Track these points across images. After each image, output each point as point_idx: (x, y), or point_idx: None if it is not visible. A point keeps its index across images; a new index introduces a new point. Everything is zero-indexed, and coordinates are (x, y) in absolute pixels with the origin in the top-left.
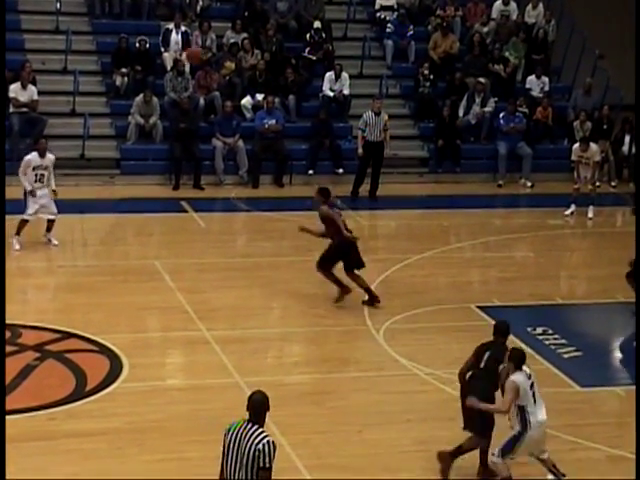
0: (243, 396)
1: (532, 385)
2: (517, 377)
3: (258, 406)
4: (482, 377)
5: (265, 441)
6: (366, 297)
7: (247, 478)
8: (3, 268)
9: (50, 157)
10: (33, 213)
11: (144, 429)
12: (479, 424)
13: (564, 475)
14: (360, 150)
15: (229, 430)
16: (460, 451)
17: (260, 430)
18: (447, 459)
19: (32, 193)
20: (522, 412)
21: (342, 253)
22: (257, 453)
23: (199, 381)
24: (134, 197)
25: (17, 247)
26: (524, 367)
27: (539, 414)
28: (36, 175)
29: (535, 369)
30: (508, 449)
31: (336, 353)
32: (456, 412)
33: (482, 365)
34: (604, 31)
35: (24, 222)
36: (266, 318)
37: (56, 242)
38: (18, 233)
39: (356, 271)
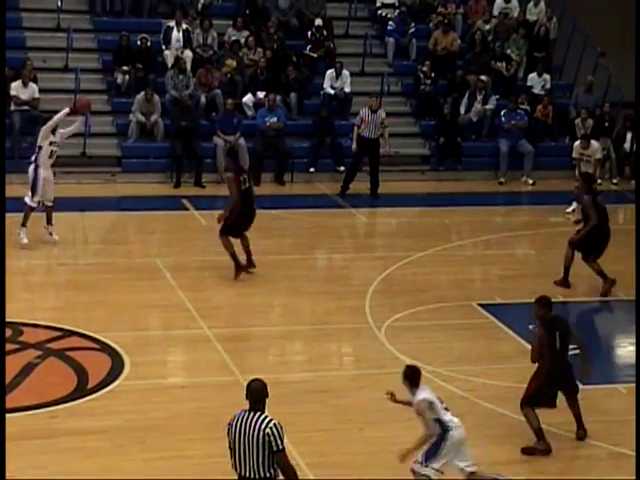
0: (244, 394)
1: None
2: (424, 394)
3: (257, 393)
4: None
5: (272, 424)
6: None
7: (258, 464)
8: (3, 268)
9: (61, 131)
10: (38, 200)
11: (145, 427)
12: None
13: None
14: (354, 146)
15: (232, 423)
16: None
17: (264, 415)
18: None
19: (43, 165)
20: (439, 422)
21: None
22: (267, 438)
23: (200, 379)
24: (135, 195)
25: (25, 241)
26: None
27: (454, 419)
28: (52, 151)
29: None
30: (432, 453)
31: (338, 351)
32: (458, 409)
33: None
34: (606, 29)
35: (30, 210)
36: (267, 316)
37: (56, 237)
38: (24, 224)
39: None
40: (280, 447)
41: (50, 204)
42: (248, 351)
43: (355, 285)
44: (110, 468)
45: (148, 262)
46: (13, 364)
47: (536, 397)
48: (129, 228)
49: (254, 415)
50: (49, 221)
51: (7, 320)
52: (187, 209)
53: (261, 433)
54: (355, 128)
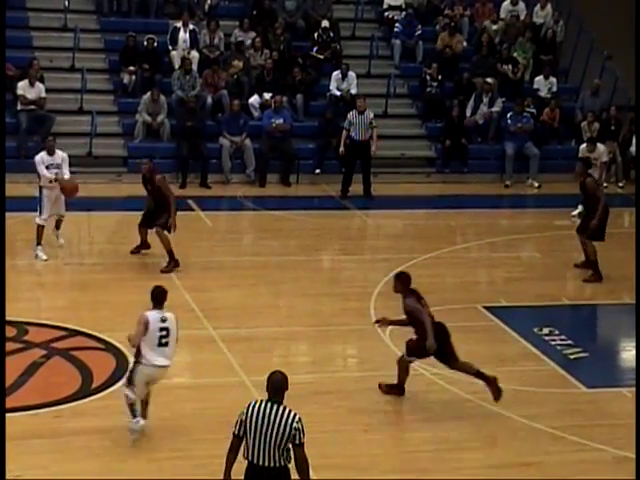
0: (249, 395)
1: (164, 330)
2: (150, 313)
3: (279, 385)
4: None
5: (298, 418)
6: None
7: (277, 455)
8: (3, 268)
9: (60, 154)
10: (47, 217)
11: (150, 427)
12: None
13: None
14: (341, 149)
15: (249, 411)
16: None
17: (288, 409)
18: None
19: (45, 188)
20: (139, 347)
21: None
22: (293, 432)
23: (205, 380)
24: (141, 195)
25: (44, 258)
26: (168, 313)
27: (156, 358)
28: (54, 174)
29: (541, 370)
30: (130, 379)
31: (342, 352)
32: (462, 412)
33: None
34: (612, 32)
35: (41, 228)
36: (272, 317)
37: (62, 241)
38: (39, 242)
39: None
40: (302, 441)
41: (61, 218)
42: (253, 352)
43: (360, 287)
44: (114, 468)
45: (153, 262)
46: (18, 363)
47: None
48: (134, 228)
49: (277, 407)
50: (58, 226)
51: (12, 319)
52: (193, 210)
53: (288, 427)
54: (344, 131)
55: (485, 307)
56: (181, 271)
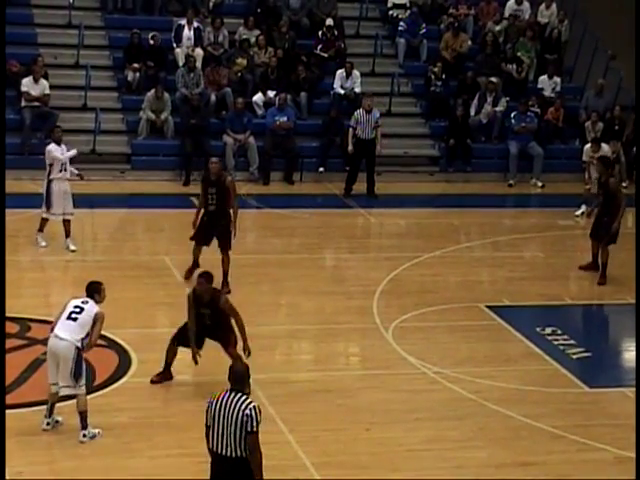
0: (252, 393)
1: (78, 307)
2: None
3: (239, 376)
4: None
5: (252, 406)
6: None
7: (235, 443)
8: (3, 268)
9: (65, 146)
10: (58, 213)
11: (152, 424)
12: None
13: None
14: (350, 147)
15: (212, 402)
16: None
17: (245, 397)
18: None
19: (56, 179)
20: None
21: None
22: (245, 418)
23: (208, 377)
24: (144, 192)
25: (43, 244)
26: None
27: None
28: (61, 164)
29: (543, 369)
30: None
31: (345, 351)
32: (464, 411)
33: None
34: (617, 32)
35: (45, 220)
36: (275, 315)
37: (74, 247)
38: (41, 230)
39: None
40: (254, 429)
41: (69, 217)
42: (255, 350)
43: (363, 285)
44: (116, 465)
45: (156, 260)
46: (21, 360)
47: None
48: (138, 225)
49: (235, 395)
50: (68, 234)
51: (15, 316)
52: (196, 207)
53: (241, 413)
54: (350, 130)
55: (488, 306)
56: (184, 268)
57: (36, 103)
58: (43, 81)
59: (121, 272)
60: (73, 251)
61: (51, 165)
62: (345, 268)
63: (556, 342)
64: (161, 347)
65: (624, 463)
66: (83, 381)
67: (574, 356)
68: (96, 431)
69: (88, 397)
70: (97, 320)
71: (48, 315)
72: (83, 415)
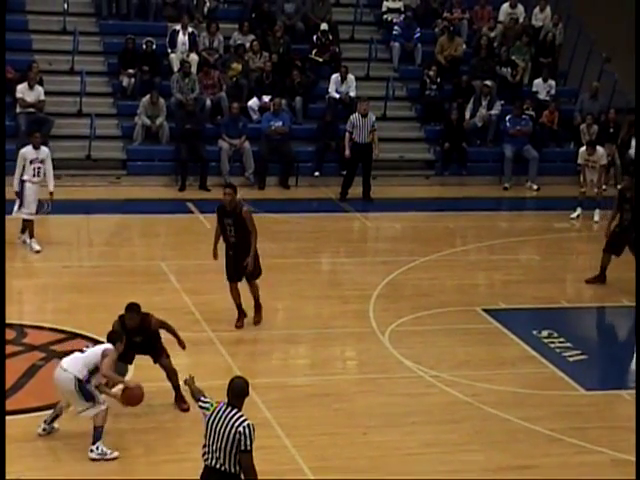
0: (249, 398)
1: None
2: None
3: (239, 391)
4: None
5: (245, 424)
6: None
7: (226, 458)
8: (3, 268)
9: (45, 150)
10: (32, 212)
11: (148, 430)
12: None
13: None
14: (347, 152)
15: (211, 411)
16: None
17: (240, 414)
18: None
19: (29, 182)
20: None
21: None
22: (238, 436)
23: (204, 382)
24: (140, 198)
25: (38, 248)
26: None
27: None
28: (34, 169)
29: (540, 372)
30: None
31: (341, 355)
32: (461, 414)
33: None
34: (611, 35)
35: (28, 222)
36: (271, 320)
37: (38, 247)
38: (32, 236)
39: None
40: (248, 448)
41: (29, 217)
42: (252, 355)
43: (359, 289)
44: (112, 470)
45: (152, 265)
46: (17, 366)
47: None
48: (134, 231)
49: (231, 411)
50: (24, 230)
51: (11, 322)
52: (192, 212)
53: (233, 430)
54: (347, 134)
55: (484, 310)
56: (180, 274)
57: (31, 109)
58: (38, 87)
59: (117, 278)
60: (38, 251)
61: (24, 167)
62: (341, 272)
63: (552, 345)
64: None
65: (621, 466)
66: (101, 398)
67: (571, 359)
68: (107, 451)
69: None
70: (106, 355)
71: (44, 321)
72: (97, 430)
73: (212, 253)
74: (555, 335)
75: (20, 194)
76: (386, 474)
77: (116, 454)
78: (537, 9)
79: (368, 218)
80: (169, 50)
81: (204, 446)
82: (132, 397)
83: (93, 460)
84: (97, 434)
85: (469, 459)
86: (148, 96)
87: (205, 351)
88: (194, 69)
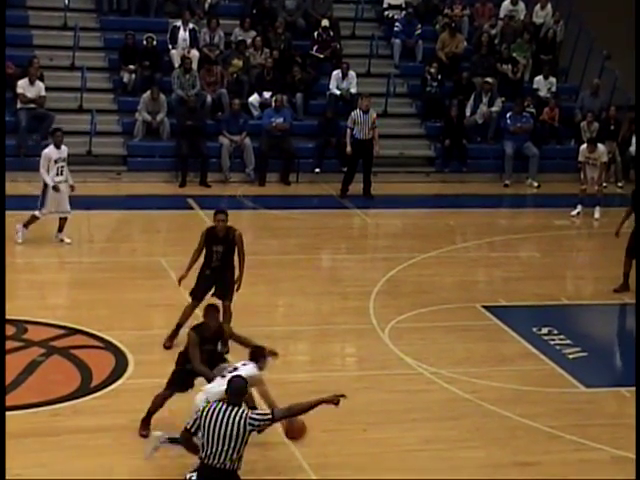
0: (248, 394)
1: None
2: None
3: (239, 390)
4: None
5: (245, 414)
6: None
7: (224, 456)
8: (3, 268)
9: (65, 148)
10: (47, 212)
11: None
12: None
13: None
14: (349, 148)
15: (206, 411)
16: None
17: (239, 409)
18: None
19: (55, 188)
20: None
21: None
22: (247, 426)
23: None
24: (141, 194)
25: (20, 240)
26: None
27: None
28: (58, 168)
29: (540, 369)
30: None
31: (341, 351)
32: (460, 411)
33: None
34: (612, 32)
35: (35, 218)
36: (271, 316)
37: (69, 240)
38: (26, 226)
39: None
40: (268, 420)
41: (65, 216)
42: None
43: (359, 286)
44: (113, 467)
45: (153, 261)
46: (17, 362)
47: None
48: (134, 227)
49: (232, 409)
50: (61, 229)
51: (12, 318)
52: (192, 208)
53: (236, 425)
54: (348, 130)
55: (484, 306)
56: (180, 270)
57: (32, 105)
58: (39, 83)
59: (117, 274)
60: (68, 243)
61: (48, 167)
62: (341, 269)
63: (552, 342)
64: (158, 349)
65: (621, 463)
66: None
67: (570, 356)
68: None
69: (85, 398)
70: (253, 384)
71: (44, 317)
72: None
73: (183, 275)
74: (555, 332)
75: (42, 195)
76: (386, 470)
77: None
78: (538, 6)
79: (368, 214)
80: (170, 46)
81: (187, 438)
82: (295, 430)
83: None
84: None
85: (469, 456)
86: (149, 92)
87: None
88: (195, 65)
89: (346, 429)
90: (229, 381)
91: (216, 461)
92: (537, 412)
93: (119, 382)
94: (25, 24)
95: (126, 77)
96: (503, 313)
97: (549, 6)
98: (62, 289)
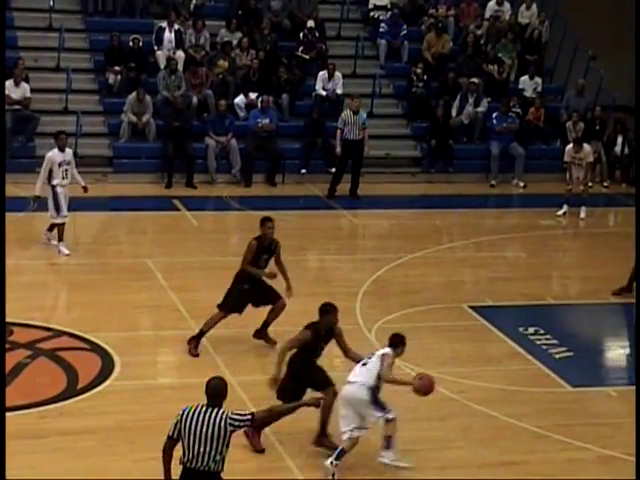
0: (235, 395)
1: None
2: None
3: (217, 391)
4: None
5: (224, 416)
6: None
7: (206, 458)
8: (3, 268)
9: (69, 151)
10: (67, 216)
11: (135, 427)
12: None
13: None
14: (338, 149)
15: (185, 415)
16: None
17: (220, 410)
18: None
19: (59, 185)
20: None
21: None
22: (226, 427)
23: (191, 380)
24: (127, 195)
25: (66, 252)
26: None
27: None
28: (62, 172)
29: (526, 369)
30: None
31: (328, 352)
32: (447, 411)
33: None
34: (597, 32)
35: (55, 225)
36: (258, 317)
37: (67, 252)
38: (61, 239)
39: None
40: (246, 421)
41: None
42: (239, 352)
43: (346, 286)
44: (100, 468)
45: (139, 262)
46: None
47: None
48: (120, 228)
49: (212, 411)
50: (51, 229)
51: None
52: (178, 210)
53: (216, 427)
54: (338, 131)
55: (471, 307)
56: (167, 271)
57: (17, 106)
58: (24, 84)
59: (104, 275)
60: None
61: (51, 171)
62: (328, 269)
63: (539, 342)
64: (144, 350)
65: (607, 462)
66: (389, 406)
67: (557, 356)
68: (399, 462)
69: (72, 400)
70: (384, 359)
71: (31, 319)
72: (390, 438)
73: (261, 276)
74: (541, 332)
75: (55, 200)
76: (373, 471)
77: (408, 465)
78: (523, 6)
79: (355, 215)
80: (155, 47)
81: (169, 445)
82: (424, 386)
83: (385, 465)
84: (390, 442)
85: (455, 456)
86: (134, 93)
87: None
88: (180, 66)
89: (333, 430)
90: (207, 383)
91: (199, 464)
92: (523, 412)
93: (105, 384)
94: (10, 25)
95: (111, 78)
96: (489, 313)
97: (534, 6)
98: (48, 291)
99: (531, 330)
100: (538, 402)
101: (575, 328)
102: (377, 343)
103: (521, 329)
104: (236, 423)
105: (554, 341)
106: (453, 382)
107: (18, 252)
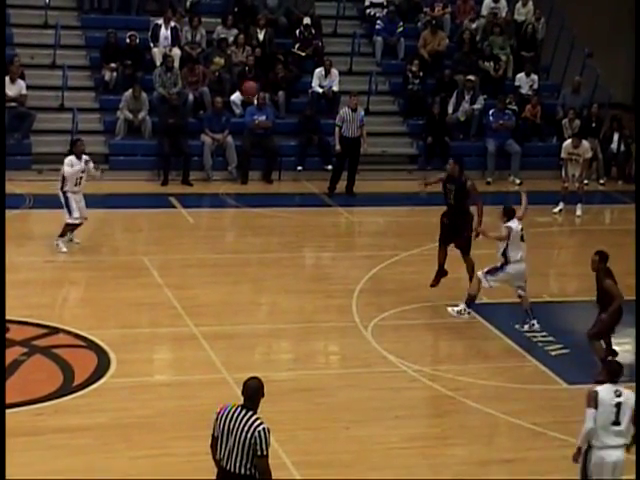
0: (231, 392)
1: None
2: (513, 224)
3: (253, 392)
4: None
5: (261, 428)
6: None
7: (241, 461)
8: (3, 268)
9: (85, 157)
10: (79, 216)
11: (131, 425)
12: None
13: (534, 318)
14: (337, 147)
15: (223, 413)
16: None
17: (255, 417)
18: None
19: (71, 192)
20: (506, 250)
21: None
22: (253, 440)
23: (187, 377)
24: (122, 192)
25: (64, 249)
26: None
27: (518, 254)
28: (76, 179)
29: (523, 366)
30: (492, 273)
31: (324, 349)
32: (444, 409)
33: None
34: (593, 29)
35: (69, 225)
36: (254, 314)
37: (77, 240)
38: (63, 235)
39: None
40: (264, 453)
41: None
42: (235, 349)
43: (342, 284)
44: (95, 465)
45: (135, 260)
46: None
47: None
48: (116, 226)
49: (246, 413)
50: (63, 235)
51: None
52: (174, 207)
53: (250, 434)
54: (337, 128)
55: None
56: (162, 268)
57: (13, 103)
58: (20, 81)
59: (99, 272)
60: (77, 243)
61: (64, 178)
62: (324, 267)
63: (535, 339)
64: (140, 347)
65: None
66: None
67: (553, 353)
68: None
69: (67, 397)
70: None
71: (27, 316)
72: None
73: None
74: (538, 329)
75: (66, 203)
76: (369, 468)
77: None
78: (519, 3)
79: (351, 212)
80: (151, 44)
81: (213, 445)
82: None
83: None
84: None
85: (452, 453)
86: (130, 90)
87: (187, 346)
88: (177, 63)
89: (329, 427)
90: (244, 383)
91: (230, 466)
92: (520, 409)
93: (101, 381)
94: (6, 22)
95: (108, 75)
96: (486, 310)
97: (530, 3)
98: (44, 288)
99: (527, 327)
100: (534, 399)
101: (571, 325)
102: (373, 340)
103: (517, 326)
104: (259, 440)
105: (550, 338)
106: (450, 379)
107: (13, 249)
